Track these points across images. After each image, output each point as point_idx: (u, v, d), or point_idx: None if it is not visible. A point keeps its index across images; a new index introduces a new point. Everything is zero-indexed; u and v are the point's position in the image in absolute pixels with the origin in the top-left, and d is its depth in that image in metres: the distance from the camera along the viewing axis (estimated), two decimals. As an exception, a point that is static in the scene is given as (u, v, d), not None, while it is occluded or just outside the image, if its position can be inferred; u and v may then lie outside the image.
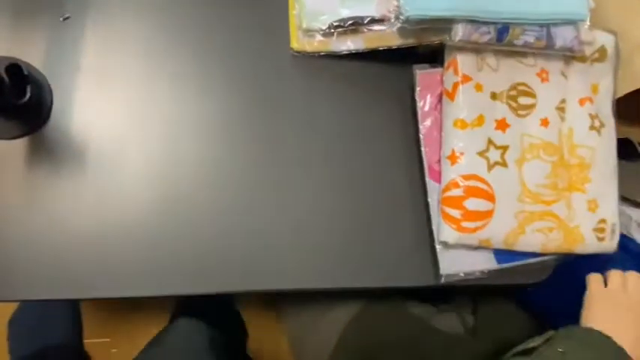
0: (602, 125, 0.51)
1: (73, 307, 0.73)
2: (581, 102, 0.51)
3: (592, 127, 0.51)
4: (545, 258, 0.51)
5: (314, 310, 0.61)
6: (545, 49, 0.48)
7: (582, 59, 0.51)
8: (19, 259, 0.42)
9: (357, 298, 0.58)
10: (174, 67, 0.48)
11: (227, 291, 0.46)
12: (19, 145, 0.43)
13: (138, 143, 0.46)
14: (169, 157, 0.47)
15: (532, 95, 0.49)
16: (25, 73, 0.39)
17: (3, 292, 0.41)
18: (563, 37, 0.47)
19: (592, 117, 0.51)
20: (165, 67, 0.47)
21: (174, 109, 0.47)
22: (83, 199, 0.44)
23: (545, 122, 0.49)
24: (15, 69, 0.39)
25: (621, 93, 0.55)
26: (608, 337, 0.43)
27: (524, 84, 0.49)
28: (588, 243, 0.50)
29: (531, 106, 0.49)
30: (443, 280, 0.49)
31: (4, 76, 0.39)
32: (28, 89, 0.40)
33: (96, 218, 0.44)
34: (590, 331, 0.44)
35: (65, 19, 0.45)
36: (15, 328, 0.69)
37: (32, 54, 0.43)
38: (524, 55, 0.49)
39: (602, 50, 0.52)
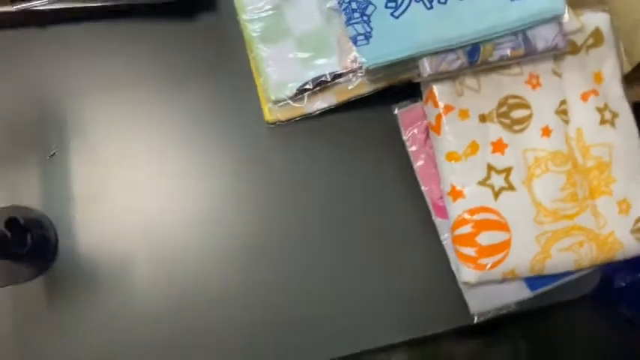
0: (615, 115, 0.46)
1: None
2: (584, 97, 0.46)
3: (603, 122, 0.46)
4: (585, 272, 0.46)
5: None
6: (527, 56, 0.44)
7: (575, 50, 0.47)
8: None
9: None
10: (160, 177, 0.48)
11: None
12: (35, 285, 0.45)
13: (142, 258, 0.47)
14: (178, 267, 0.47)
15: (525, 106, 0.46)
16: (22, 222, 0.42)
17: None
18: (543, 38, 0.43)
19: (600, 110, 0.46)
20: (154, 178, 0.48)
21: (169, 218, 0.48)
22: (104, 327, 0.46)
23: (546, 131, 0.45)
24: (14, 221, 0.42)
25: (631, 66, 0.50)
26: None
27: (514, 96, 0.46)
28: (629, 248, 0.45)
29: (527, 118, 0.45)
30: (476, 320, 0.46)
31: (5, 230, 0.41)
32: (29, 237, 0.42)
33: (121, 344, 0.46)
34: None
35: (51, 155, 0.47)
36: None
37: (30, 195, 0.46)
38: (506, 66, 0.46)
39: (596, 33, 0.47)
